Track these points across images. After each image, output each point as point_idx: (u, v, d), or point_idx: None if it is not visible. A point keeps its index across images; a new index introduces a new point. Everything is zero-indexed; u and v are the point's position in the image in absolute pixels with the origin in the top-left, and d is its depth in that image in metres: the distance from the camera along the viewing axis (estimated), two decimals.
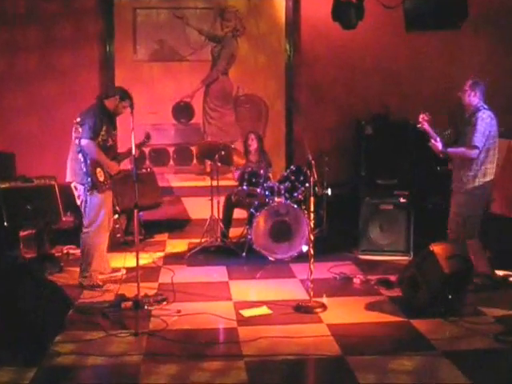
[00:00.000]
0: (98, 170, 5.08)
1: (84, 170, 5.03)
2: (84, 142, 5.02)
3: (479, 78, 5.17)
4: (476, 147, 4.94)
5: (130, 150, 5.28)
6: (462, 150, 5.04)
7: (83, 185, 5.09)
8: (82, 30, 7.06)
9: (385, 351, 3.94)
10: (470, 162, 5.01)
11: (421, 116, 5.15)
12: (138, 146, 5.29)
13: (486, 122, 4.96)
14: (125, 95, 5.24)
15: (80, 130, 5.03)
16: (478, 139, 4.93)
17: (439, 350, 3.97)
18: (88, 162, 5.02)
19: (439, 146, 5.10)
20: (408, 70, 7.18)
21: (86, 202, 5.14)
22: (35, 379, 3.61)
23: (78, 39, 7.06)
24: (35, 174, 6.07)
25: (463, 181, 5.05)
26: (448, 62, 7.23)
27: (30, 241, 5.97)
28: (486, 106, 5.06)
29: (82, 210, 5.21)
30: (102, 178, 5.10)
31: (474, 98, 5.05)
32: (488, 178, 5.04)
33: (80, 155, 5.04)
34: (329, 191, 6.28)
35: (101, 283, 5.23)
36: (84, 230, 5.23)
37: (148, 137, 5.48)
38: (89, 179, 5.03)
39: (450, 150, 5.09)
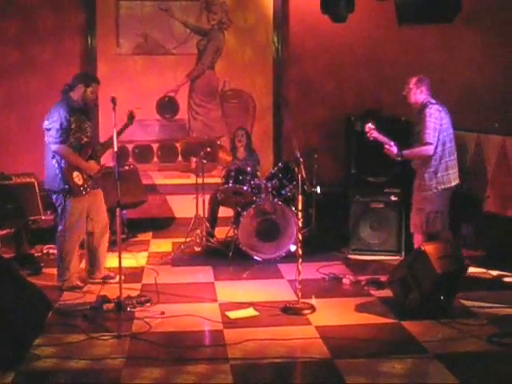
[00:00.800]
0: (76, 173, 4.90)
1: (59, 176, 4.85)
2: (54, 147, 4.83)
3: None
4: (429, 143, 4.92)
5: (107, 141, 5.10)
6: (416, 150, 5.02)
7: (60, 192, 4.90)
8: (63, 21, 6.90)
9: (375, 354, 3.89)
10: (428, 158, 4.98)
11: (367, 126, 5.11)
12: (123, 129, 5.02)
13: (434, 116, 4.94)
14: (89, 80, 5.03)
15: (49, 134, 4.84)
16: (430, 135, 4.91)
17: (431, 352, 3.92)
18: (63, 167, 4.84)
19: (394, 150, 5.06)
20: (401, 64, 7.07)
21: (64, 206, 4.96)
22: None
23: (58, 31, 6.90)
24: (13, 172, 5.93)
25: (426, 177, 5.01)
26: (442, 56, 7.13)
27: (8, 240, 5.86)
28: (433, 101, 5.03)
29: (59, 212, 5.03)
30: (80, 182, 4.93)
31: (420, 95, 5.03)
32: (451, 171, 5.03)
33: (54, 161, 4.87)
34: (318, 189, 6.23)
35: (81, 284, 5.12)
36: (60, 233, 5.04)
37: (131, 117, 5.05)
38: (66, 186, 4.86)
39: (405, 152, 5.05)
